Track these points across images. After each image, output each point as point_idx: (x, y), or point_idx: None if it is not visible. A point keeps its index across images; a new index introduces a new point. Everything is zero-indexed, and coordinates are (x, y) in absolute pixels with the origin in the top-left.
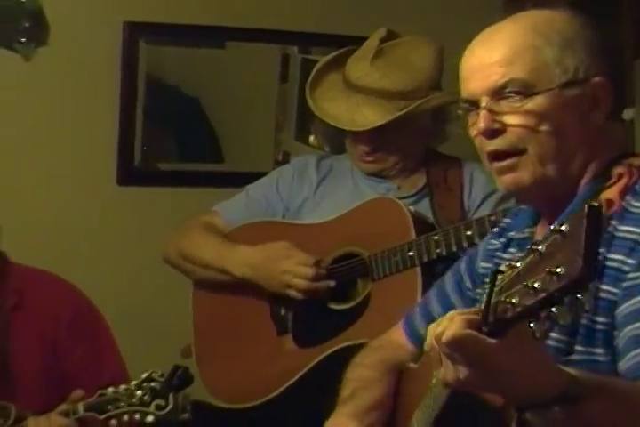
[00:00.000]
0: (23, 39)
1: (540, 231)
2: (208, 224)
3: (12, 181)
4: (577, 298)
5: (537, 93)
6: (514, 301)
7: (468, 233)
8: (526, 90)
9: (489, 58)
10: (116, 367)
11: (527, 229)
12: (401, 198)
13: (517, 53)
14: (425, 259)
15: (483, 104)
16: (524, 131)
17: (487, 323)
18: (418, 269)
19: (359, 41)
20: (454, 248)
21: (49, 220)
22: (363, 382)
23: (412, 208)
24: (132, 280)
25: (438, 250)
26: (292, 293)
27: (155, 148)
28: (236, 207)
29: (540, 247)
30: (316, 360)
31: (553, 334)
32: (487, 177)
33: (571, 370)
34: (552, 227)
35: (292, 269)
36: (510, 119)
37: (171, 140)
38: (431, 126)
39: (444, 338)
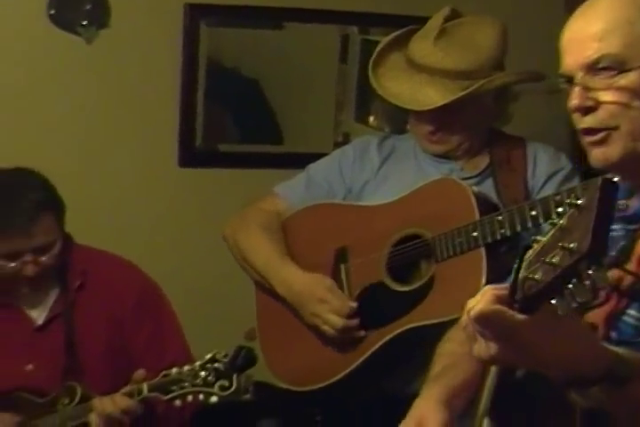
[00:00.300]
0: (85, 22)
1: (633, 204)
2: (268, 219)
3: (74, 164)
4: (591, 273)
5: (630, 70)
6: (537, 277)
7: (533, 213)
8: (619, 66)
9: (584, 32)
10: (180, 349)
11: (622, 201)
12: (464, 179)
13: (612, 28)
14: (489, 240)
15: (577, 80)
16: (617, 108)
17: (515, 299)
18: (482, 250)
19: (418, 21)
20: (518, 229)
21: (112, 202)
22: (452, 358)
23: (475, 188)
24: (195, 261)
25: (502, 231)
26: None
27: (215, 129)
28: (297, 189)
29: (561, 222)
30: (380, 342)
31: (632, 312)
32: (550, 156)
33: (619, 349)
34: (568, 200)
35: (324, 315)
36: (603, 96)
37: (230, 121)
38: (494, 106)
39: (472, 313)
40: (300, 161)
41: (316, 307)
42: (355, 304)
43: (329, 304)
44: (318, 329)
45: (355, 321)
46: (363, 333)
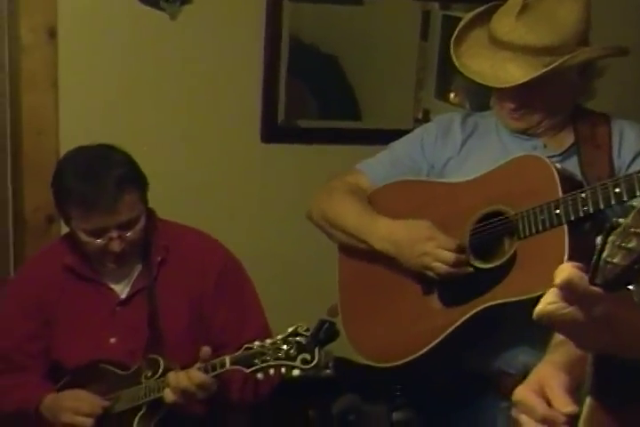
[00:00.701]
0: None
1: None
2: (352, 187)
3: (157, 140)
4: None
5: None
6: (615, 261)
7: (617, 191)
8: None
9: None
10: (259, 325)
11: None
12: (548, 157)
13: None
14: (572, 217)
15: None
16: None
17: (595, 283)
18: (565, 227)
19: None
20: (602, 206)
21: (195, 177)
22: None
23: (559, 166)
24: (276, 237)
25: (585, 208)
26: (430, 274)
27: (296, 105)
28: (380, 166)
29: None
30: (462, 319)
31: None
32: (637, 134)
33: None
34: None
35: (433, 252)
36: None
37: (310, 98)
38: (578, 83)
39: (557, 280)
40: (379, 137)
41: (425, 245)
42: (459, 240)
43: (436, 240)
44: (426, 271)
45: (464, 255)
46: (471, 269)
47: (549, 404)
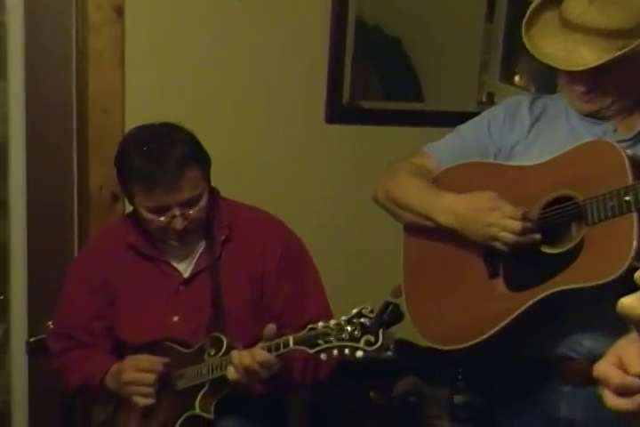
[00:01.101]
0: None
1: None
2: (417, 167)
3: (221, 119)
4: None
5: None
6: None
7: None
8: None
9: None
10: (320, 306)
11: None
12: (618, 141)
13: None
14: None
15: None
16: None
17: None
18: (634, 214)
19: None
20: None
21: (258, 156)
22: None
23: (630, 152)
24: (340, 217)
25: None
26: (498, 245)
27: (360, 87)
28: (447, 148)
29: None
30: (527, 304)
31: None
32: None
33: None
34: None
35: (499, 222)
36: None
37: (374, 79)
38: None
39: None
40: (442, 119)
41: (490, 216)
42: (524, 209)
43: (501, 210)
44: (493, 242)
45: (529, 223)
46: (538, 236)
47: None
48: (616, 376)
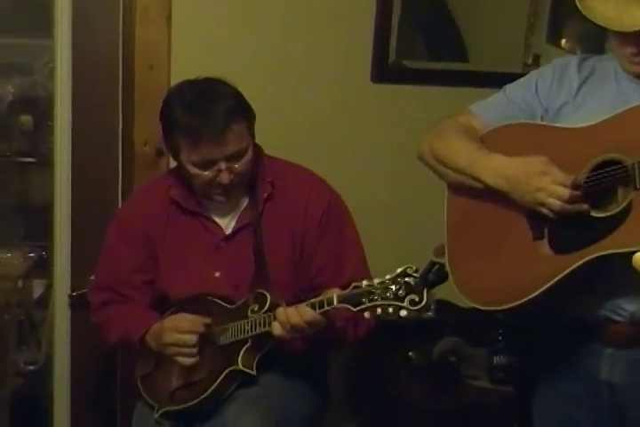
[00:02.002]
0: None
1: None
2: (464, 126)
3: (268, 76)
4: None
5: None
6: None
7: None
8: None
9: None
10: (358, 265)
11: None
12: None
13: None
14: None
15: None
16: None
17: None
18: None
19: None
20: None
21: (304, 114)
22: None
23: None
24: (382, 176)
25: None
26: (544, 211)
27: (405, 46)
28: (494, 108)
29: None
30: (572, 267)
31: None
32: None
33: None
34: None
35: (548, 187)
36: None
37: (420, 38)
38: None
39: None
40: (487, 80)
41: (540, 180)
42: (574, 176)
43: (551, 176)
44: (540, 208)
45: (579, 192)
46: (586, 206)
47: None
48: None
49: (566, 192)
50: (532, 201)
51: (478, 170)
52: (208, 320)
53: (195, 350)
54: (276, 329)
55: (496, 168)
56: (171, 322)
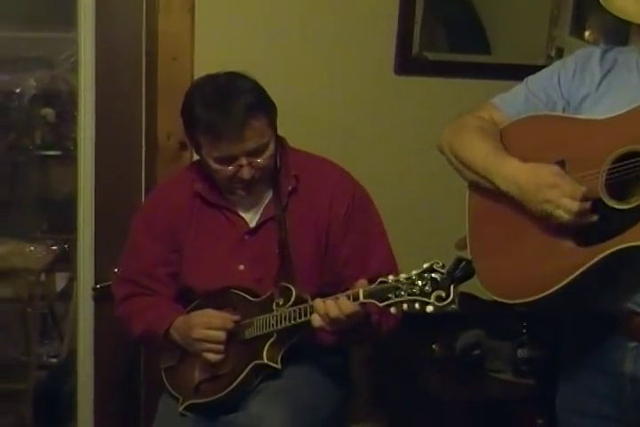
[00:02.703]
0: None
1: None
2: (484, 123)
3: (290, 67)
4: None
5: None
6: None
7: None
8: None
9: None
10: (384, 258)
11: None
12: None
13: None
14: None
15: None
16: None
17: None
18: None
19: None
20: None
21: (327, 107)
22: None
23: None
24: (405, 168)
25: None
26: (553, 221)
27: (428, 38)
28: (515, 100)
29: None
30: (595, 259)
31: None
32: None
33: None
34: None
35: (557, 200)
36: None
37: (442, 30)
38: None
39: None
40: (510, 72)
41: (548, 193)
42: (585, 188)
43: (560, 189)
44: (549, 218)
45: (588, 204)
46: (595, 217)
47: None
48: None
49: (575, 205)
50: (540, 212)
51: (491, 174)
52: (237, 317)
53: (222, 347)
54: (315, 320)
55: (508, 174)
56: (200, 317)
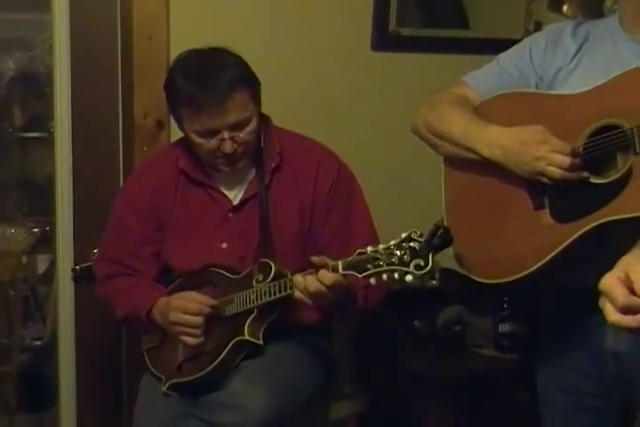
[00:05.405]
0: None
1: None
2: (458, 98)
3: (266, 45)
4: None
5: None
6: None
7: None
8: None
9: None
10: (368, 236)
11: None
12: None
13: None
14: None
15: None
16: None
17: None
18: None
19: None
20: None
21: (304, 83)
22: None
23: None
24: (383, 144)
25: None
26: (544, 180)
27: (405, 14)
28: (487, 78)
29: None
30: (576, 235)
31: None
32: None
33: None
34: None
35: (547, 156)
36: None
37: (419, 6)
38: None
39: None
40: (488, 47)
41: (539, 149)
42: (572, 145)
43: (550, 144)
44: (539, 177)
45: (579, 160)
46: (587, 174)
47: (633, 292)
48: (622, 295)
49: (566, 160)
50: (531, 170)
51: (473, 141)
52: (215, 302)
53: (199, 331)
54: (297, 294)
55: (491, 139)
56: (178, 301)
